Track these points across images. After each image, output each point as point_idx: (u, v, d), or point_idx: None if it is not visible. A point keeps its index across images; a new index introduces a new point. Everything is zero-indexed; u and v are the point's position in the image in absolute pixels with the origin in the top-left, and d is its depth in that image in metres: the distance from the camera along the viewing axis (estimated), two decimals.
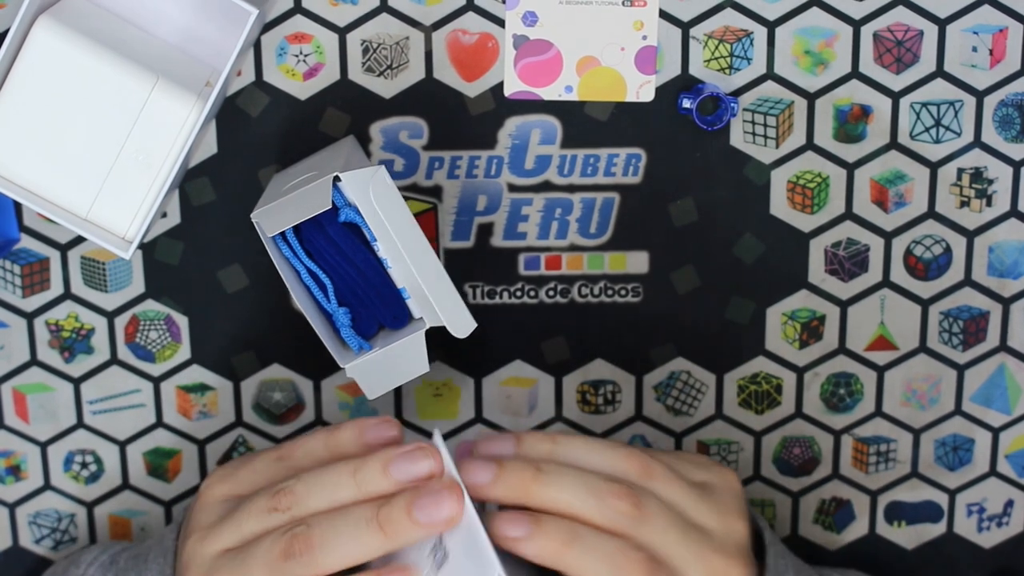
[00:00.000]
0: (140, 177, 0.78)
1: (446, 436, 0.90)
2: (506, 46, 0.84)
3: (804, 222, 0.87)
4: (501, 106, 0.85)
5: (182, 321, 0.88)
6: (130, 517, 0.91)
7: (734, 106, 0.84)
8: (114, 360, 0.88)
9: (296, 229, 0.77)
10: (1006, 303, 0.89)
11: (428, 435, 0.90)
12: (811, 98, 0.85)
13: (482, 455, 0.75)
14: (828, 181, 0.86)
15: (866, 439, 0.91)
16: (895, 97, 0.85)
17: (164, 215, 0.86)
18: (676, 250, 0.87)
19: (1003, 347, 0.89)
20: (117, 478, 0.90)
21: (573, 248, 0.87)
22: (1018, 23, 0.84)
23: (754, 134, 0.85)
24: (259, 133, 0.85)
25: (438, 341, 0.85)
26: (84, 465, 0.90)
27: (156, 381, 0.89)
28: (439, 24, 0.83)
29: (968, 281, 0.88)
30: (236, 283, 0.87)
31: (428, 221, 0.86)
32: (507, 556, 0.72)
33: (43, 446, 0.89)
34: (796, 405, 0.90)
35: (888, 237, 0.87)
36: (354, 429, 0.76)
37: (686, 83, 0.85)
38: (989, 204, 0.87)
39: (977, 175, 0.86)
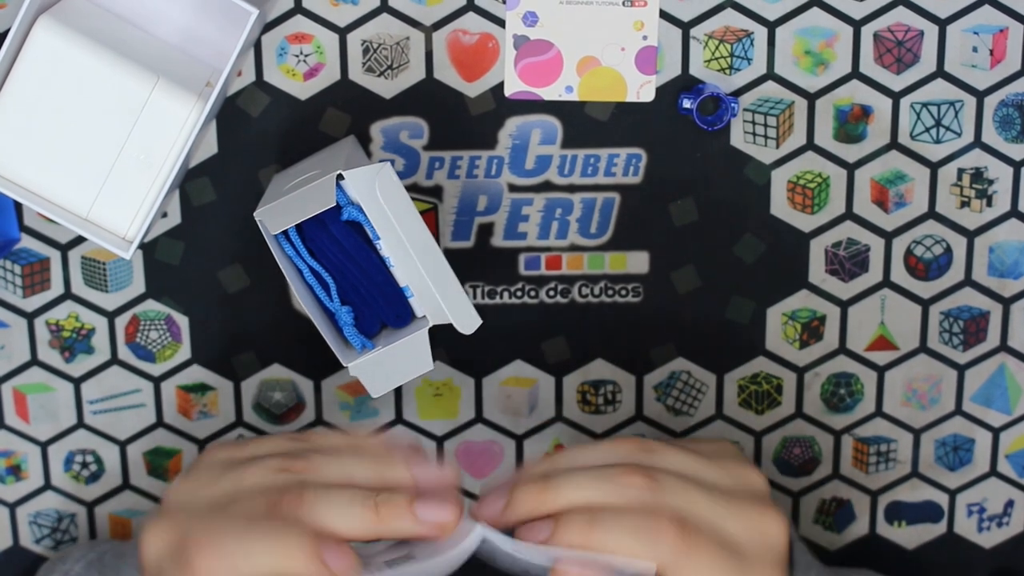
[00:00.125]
0: (140, 177, 0.78)
1: (447, 436, 0.90)
2: (506, 46, 0.84)
3: (804, 222, 0.87)
4: (501, 106, 0.85)
5: (182, 321, 0.88)
6: (130, 517, 0.91)
7: (734, 106, 0.84)
8: (114, 360, 0.88)
9: (299, 228, 0.77)
10: (1006, 303, 0.89)
11: (429, 436, 0.90)
12: (811, 98, 0.85)
13: (488, 489, 0.75)
14: (828, 181, 0.86)
15: (866, 439, 0.91)
16: (895, 97, 0.85)
17: (164, 215, 0.86)
18: (676, 250, 0.87)
19: (1003, 347, 0.89)
20: (117, 478, 0.90)
21: (573, 248, 0.87)
22: (1018, 23, 0.84)
23: (754, 134, 0.85)
24: (259, 133, 0.85)
25: (439, 340, 0.85)
26: (84, 465, 0.90)
27: (156, 381, 0.89)
28: (439, 24, 0.83)
29: (968, 281, 0.88)
30: (236, 283, 0.87)
31: (429, 221, 0.86)
32: None
33: (43, 446, 0.89)
34: (796, 405, 0.90)
35: (888, 237, 0.87)
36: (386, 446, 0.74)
37: (686, 83, 0.85)
38: (989, 204, 0.87)
39: (977, 175, 0.86)
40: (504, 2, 0.83)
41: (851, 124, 0.86)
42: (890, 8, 0.84)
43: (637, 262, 0.87)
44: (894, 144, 0.86)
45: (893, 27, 0.84)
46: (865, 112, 0.85)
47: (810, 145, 0.86)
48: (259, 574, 0.69)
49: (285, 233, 0.77)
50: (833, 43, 0.84)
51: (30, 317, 0.87)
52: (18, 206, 0.85)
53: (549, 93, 0.84)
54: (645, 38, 0.84)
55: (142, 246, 0.86)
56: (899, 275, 0.88)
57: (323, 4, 0.83)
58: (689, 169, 0.86)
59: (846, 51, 0.84)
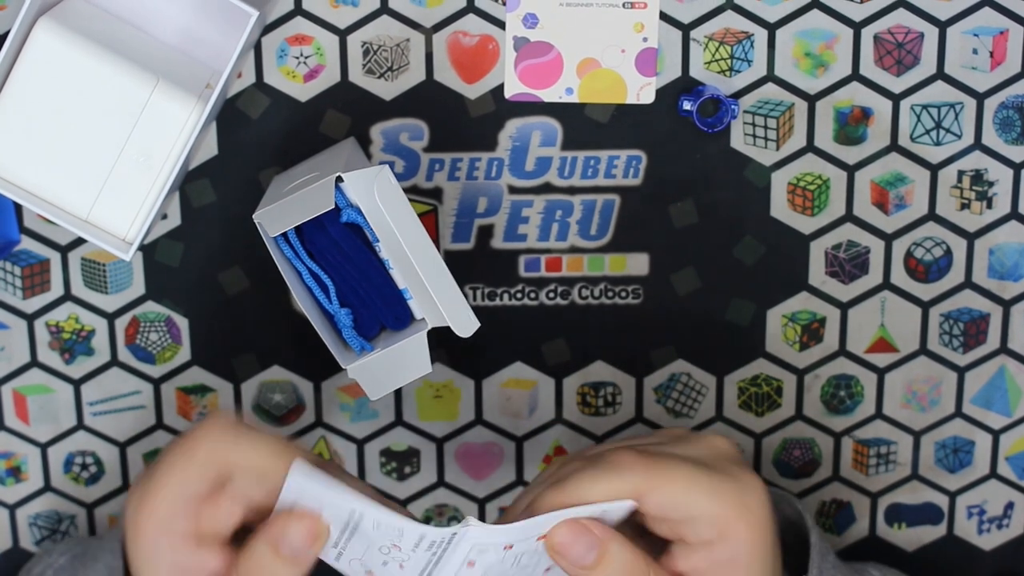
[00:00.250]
0: (140, 179, 0.78)
1: (447, 438, 0.90)
2: (506, 48, 0.84)
3: (804, 224, 0.87)
4: (501, 108, 0.85)
5: (182, 323, 0.88)
6: None
7: (734, 108, 0.84)
8: (114, 362, 0.88)
9: (298, 230, 0.77)
10: (1006, 305, 0.89)
11: (429, 438, 0.90)
12: (811, 100, 0.85)
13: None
14: (828, 183, 0.86)
15: (866, 441, 0.91)
16: (895, 99, 0.85)
17: (164, 217, 0.86)
18: (676, 252, 0.87)
19: (1003, 349, 0.89)
20: (117, 479, 0.90)
21: (573, 250, 0.87)
22: (1019, 25, 0.84)
23: (754, 136, 0.85)
24: (259, 135, 0.85)
25: (439, 343, 0.85)
26: (84, 466, 0.90)
27: (156, 383, 0.89)
28: (440, 26, 0.83)
29: (968, 283, 0.88)
30: (236, 285, 0.87)
31: (428, 223, 0.86)
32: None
33: (43, 447, 0.89)
34: (796, 407, 0.90)
35: (888, 239, 0.87)
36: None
37: (686, 85, 0.85)
38: (989, 206, 0.87)
39: (977, 177, 0.86)
40: (504, 4, 0.83)
41: (851, 126, 0.86)
42: (890, 10, 0.84)
43: (637, 264, 0.87)
44: (894, 146, 0.86)
45: (893, 29, 0.84)
46: (865, 114, 0.85)
47: (810, 147, 0.86)
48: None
49: (284, 235, 0.77)
50: (833, 45, 0.84)
51: (30, 319, 0.87)
52: (18, 207, 0.85)
53: (549, 95, 0.84)
54: (645, 40, 0.84)
55: (142, 248, 0.86)
56: (899, 277, 0.88)
57: (323, 6, 0.83)
58: (689, 171, 0.86)
59: (846, 53, 0.84)
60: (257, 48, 0.83)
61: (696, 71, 0.84)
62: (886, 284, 0.88)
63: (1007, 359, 0.90)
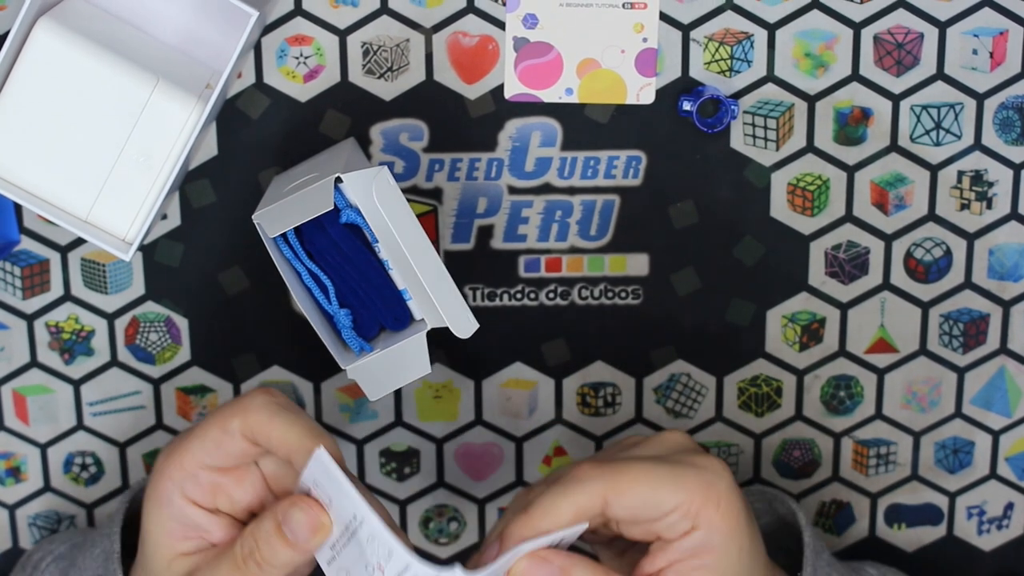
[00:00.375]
0: (140, 179, 0.78)
1: (446, 438, 0.90)
2: (506, 48, 0.84)
3: (804, 224, 0.87)
4: (501, 108, 0.85)
5: (182, 323, 0.88)
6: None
7: (734, 108, 0.84)
8: (114, 362, 0.88)
9: (297, 230, 0.77)
10: (1006, 306, 0.89)
11: (429, 438, 0.90)
12: (811, 100, 0.85)
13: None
14: (828, 183, 0.86)
15: (866, 441, 0.91)
16: (895, 100, 0.85)
17: (164, 217, 0.86)
18: (676, 252, 0.87)
19: (1003, 350, 0.89)
20: (117, 480, 0.90)
21: (573, 250, 0.87)
22: (1018, 26, 0.84)
23: (754, 136, 0.85)
24: (259, 135, 0.85)
25: (438, 343, 0.85)
26: (84, 467, 0.90)
27: (156, 383, 0.89)
28: (439, 26, 0.83)
29: (968, 284, 0.88)
30: (236, 285, 0.87)
31: (428, 223, 0.86)
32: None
33: (43, 448, 0.89)
34: (796, 407, 0.90)
35: (888, 240, 0.87)
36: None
37: (686, 85, 0.85)
38: (989, 207, 0.87)
39: (977, 178, 0.86)
40: (504, 4, 0.83)
41: (851, 126, 0.86)
42: (890, 11, 0.84)
43: (637, 264, 0.87)
44: (894, 146, 0.86)
45: (893, 29, 0.84)
46: (865, 114, 0.85)
47: (810, 147, 0.86)
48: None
49: (284, 235, 0.77)
50: (833, 45, 0.84)
51: (30, 319, 0.87)
52: (18, 208, 0.85)
53: (549, 95, 0.84)
54: (645, 40, 0.84)
55: (142, 248, 0.86)
56: (899, 278, 0.88)
57: (323, 6, 0.83)
58: (689, 171, 0.86)
59: (846, 53, 0.84)
60: (257, 48, 0.83)
61: (696, 71, 0.84)
62: (886, 284, 0.88)
63: (1007, 359, 0.90)
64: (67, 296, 0.87)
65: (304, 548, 0.73)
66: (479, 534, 0.92)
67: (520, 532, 0.73)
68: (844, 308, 0.88)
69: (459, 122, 0.85)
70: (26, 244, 0.86)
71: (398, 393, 0.89)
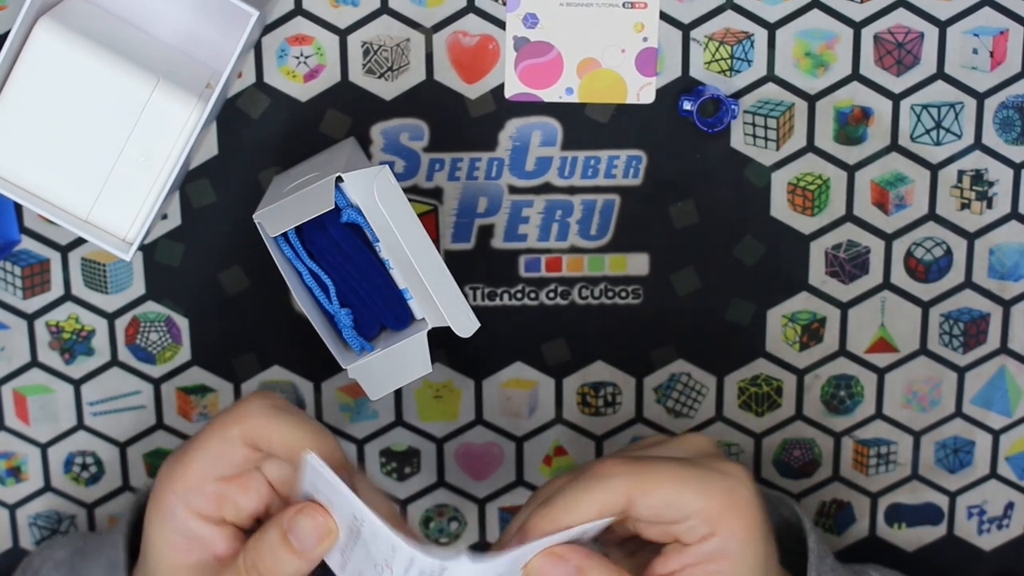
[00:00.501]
0: (141, 179, 0.78)
1: (447, 438, 0.90)
2: (507, 48, 0.84)
3: (805, 224, 0.87)
4: (502, 108, 0.85)
5: (182, 323, 0.88)
6: None
7: (735, 108, 0.84)
8: (114, 362, 0.88)
9: (298, 230, 0.77)
10: (1006, 305, 0.89)
11: (429, 438, 0.90)
12: (812, 100, 0.85)
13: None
14: (829, 183, 0.86)
15: (866, 441, 0.91)
16: (896, 99, 0.85)
17: (165, 217, 0.86)
18: (676, 252, 0.87)
19: (1003, 349, 0.89)
20: (117, 480, 0.90)
21: (574, 250, 0.87)
22: (1019, 25, 0.84)
23: (755, 136, 0.85)
24: (260, 135, 0.85)
25: (439, 343, 0.85)
26: (84, 467, 0.90)
27: (156, 383, 0.89)
28: (440, 26, 0.83)
29: (968, 283, 0.88)
30: (236, 285, 0.87)
31: (429, 223, 0.86)
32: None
33: (43, 447, 0.89)
34: (796, 407, 0.90)
35: (889, 239, 0.87)
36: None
37: (687, 85, 0.85)
38: (990, 206, 0.87)
39: (978, 177, 0.86)
40: (504, 4, 0.83)
41: (851, 126, 0.86)
42: (890, 10, 0.84)
43: (637, 264, 0.87)
44: (894, 146, 0.86)
45: (893, 29, 0.84)
46: (865, 114, 0.85)
47: (810, 147, 0.86)
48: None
49: (284, 235, 0.77)
50: (833, 45, 0.84)
51: (30, 319, 0.87)
52: (18, 207, 0.85)
53: (549, 95, 0.84)
54: (645, 40, 0.84)
55: (142, 248, 0.86)
56: (899, 277, 0.88)
57: (323, 6, 0.83)
58: (689, 171, 0.86)
59: (846, 53, 0.84)
60: (257, 48, 0.83)
61: (696, 71, 0.84)
62: (886, 284, 0.88)
63: (1007, 359, 0.90)
64: (67, 296, 0.87)
65: (311, 556, 0.72)
66: (479, 534, 0.92)
67: (541, 525, 0.72)
68: (844, 308, 0.88)
69: (459, 122, 0.85)
70: (26, 244, 0.86)
71: (398, 393, 0.89)
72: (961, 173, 0.86)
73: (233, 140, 0.85)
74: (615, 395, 0.90)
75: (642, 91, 0.84)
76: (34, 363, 0.88)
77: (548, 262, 0.87)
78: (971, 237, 0.87)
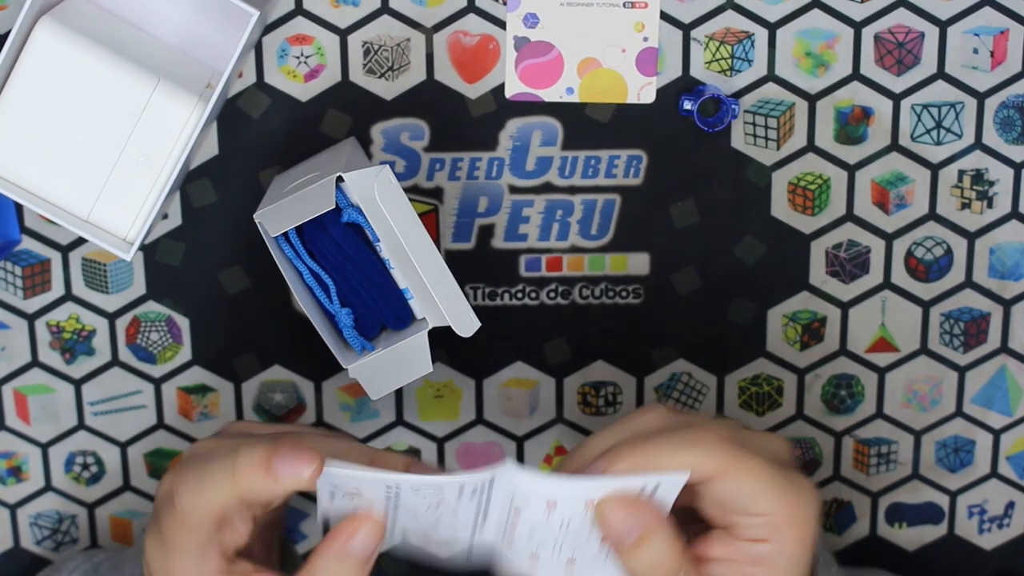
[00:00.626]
0: (141, 178, 0.78)
1: (447, 438, 0.90)
2: (507, 48, 0.84)
3: (805, 224, 0.87)
4: (502, 108, 0.85)
5: (183, 322, 0.88)
6: (131, 519, 0.91)
7: (735, 108, 0.84)
8: (115, 361, 0.88)
9: (299, 229, 0.77)
10: (1007, 305, 0.89)
11: (430, 437, 0.90)
12: (812, 100, 0.85)
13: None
14: (829, 183, 0.86)
15: (867, 441, 0.91)
16: (896, 99, 0.85)
17: (165, 216, 0.86)
18: (677, 251, 0.87)
19: (1004, 349, 0.89)
20: (118, 479, 0.90)
21: (574, 249, 0.87)
22: (1019, 25, 0.84)
23: (755, 136, 0.85)
24: (260, 135, 0.85)
25: (439, 342, 0.85)
26: (85, 466, 0.90)
27: (157, 382, 0.89)
28: (440, 26, 0.83)
29: (969, 283, 0.88)
30: (237, 284, 0.87)
31: (429, 223, 0.86)
32: None
33: (44, 447, 0.89)
34: (797, 407, 0.90)
35: (889, 239, 0.87)
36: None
37: (687, 85, 0.85)
38: (990, 206, 0.87)
39: (978, 177, 0.86)
40: (505, 4, 0.83)
41: (852, 126, 0.86)
42: (891, 10, 0.84)
43: (638, 263, 0.87)
44: (895, 146, 0.86)
45: (894, 29, 0.84)
46: (866, 114, 0.85)
47: (811, 147, 0.86)
48: (223, 498, 0.71)
49: (285, 235, 0.77)
50: (834, 45, 0.84)
51: (31, 318, 0.87)
52: (19, 207, 0.85)
53: (550, 95, 0.84)
54: (646, 39, 0.84)
55: (143, 248, 0.86)
56: (900, 277, 0.88)
57: (324, 5, 0.83)
58: (690, 170, 0.86)
59: (847, 53, 0.84)
60: (258, 48, 0.83)
61: (696, 71, 0.84)
62: (887, 284, 0.88)
63: (1008, 358, 0.90)
64: (68, 296, 0.87)
65: (372, 556, 0.71)
66: None
67: (632, 456, 0.70)
68: (845, 307, 0.88)
69: (460, 121, 0.85)
70: (27, 244, 0.86)
71: (399, 392, 0.89)
72: (961, 173, 0.86)
73: (234, 140, 0.85)
74: (616, 395, 0.90)
75: (642, 91, 0.84)
76: (35, 363, 0.88)
77: (549, 262, 0.87)
78: (971, 237, 0.87)
